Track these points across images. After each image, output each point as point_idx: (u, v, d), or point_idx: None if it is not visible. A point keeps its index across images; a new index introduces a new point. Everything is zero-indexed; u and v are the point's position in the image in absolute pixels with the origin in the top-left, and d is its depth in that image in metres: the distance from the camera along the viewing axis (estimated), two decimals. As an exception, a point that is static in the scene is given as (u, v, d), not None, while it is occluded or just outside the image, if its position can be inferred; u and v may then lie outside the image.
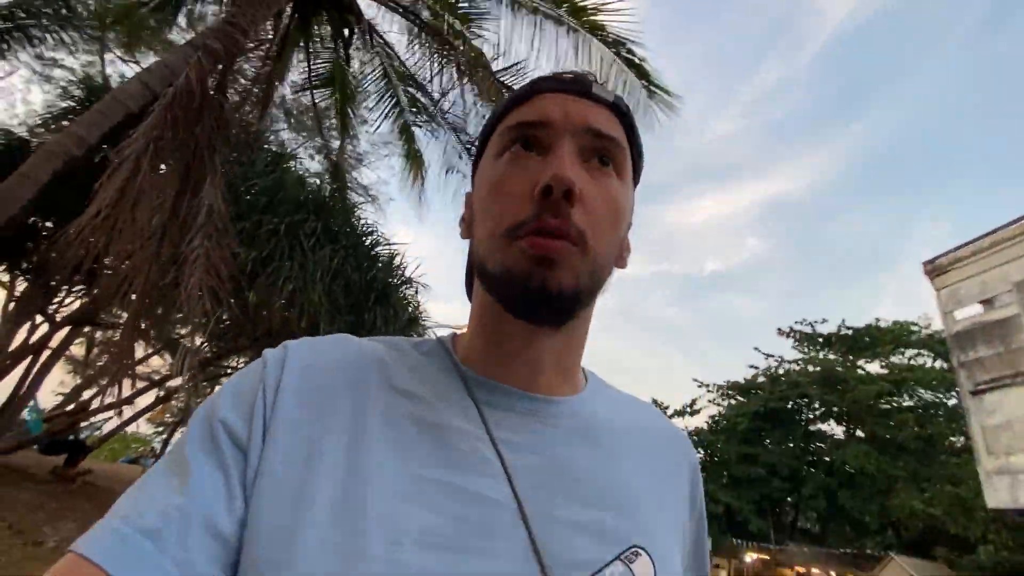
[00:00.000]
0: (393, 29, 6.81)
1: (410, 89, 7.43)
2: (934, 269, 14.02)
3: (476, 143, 0.60)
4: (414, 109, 7.62)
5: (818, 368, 23.97)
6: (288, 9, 5.71)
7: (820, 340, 25.67)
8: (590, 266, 0.48)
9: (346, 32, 6.30)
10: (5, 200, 3.40)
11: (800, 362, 25.33)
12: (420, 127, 7.69)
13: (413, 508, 0.41)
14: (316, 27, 6.36)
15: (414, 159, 8.01)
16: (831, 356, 25.01)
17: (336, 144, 8.76)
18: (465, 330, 0.58)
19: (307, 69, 7.00)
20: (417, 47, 6.61)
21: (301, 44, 6.55)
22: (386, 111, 7.57)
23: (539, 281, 0.46)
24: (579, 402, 0.55)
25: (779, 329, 26.54)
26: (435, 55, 6.30)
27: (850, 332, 24.83)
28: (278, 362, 0.48)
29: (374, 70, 7.11)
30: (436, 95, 7.00)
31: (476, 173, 0.58)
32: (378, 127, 8.07)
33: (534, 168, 0.49)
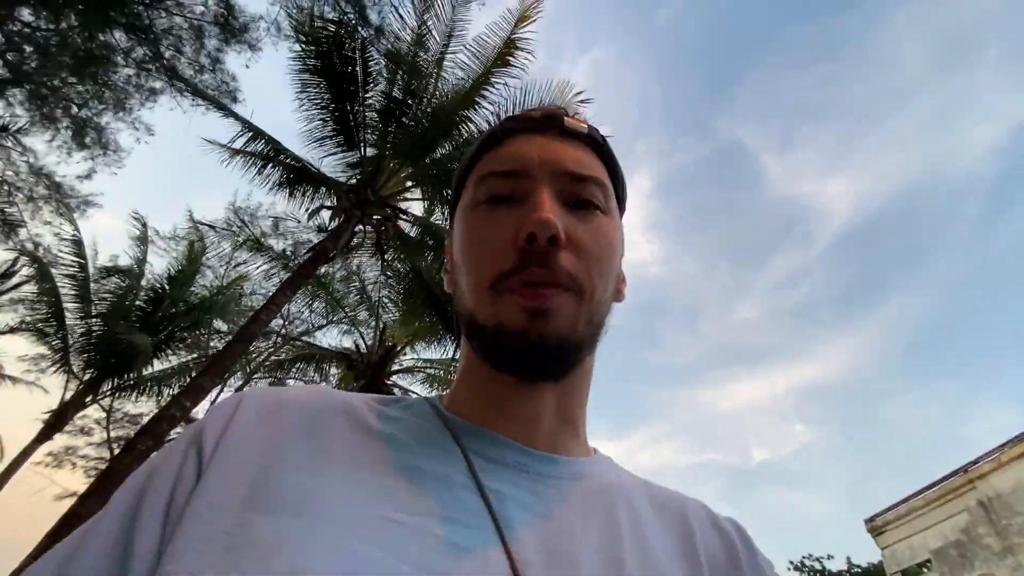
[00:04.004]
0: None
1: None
2: (874, 528, 15.57)
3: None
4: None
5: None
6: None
7: (833, 579, 25.41)
8: (587, 312, 0.45)
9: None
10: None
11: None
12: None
13: (372, 550, 0.33)
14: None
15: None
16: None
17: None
18: (452, 388, 0.52)
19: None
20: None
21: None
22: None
23: (536, 335, 0.42)
24: (589, 465, 0.49)
25: (791, 563, 26.49)
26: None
27: (859, 572, 24.76)
28: (227, 410, 0.42)
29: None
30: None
31: (453, 222, 0.54)
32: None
33: (513, 216, 0.45)
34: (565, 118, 0.51)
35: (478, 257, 0.46)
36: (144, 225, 11.09)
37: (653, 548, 0.44)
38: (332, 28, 7.28)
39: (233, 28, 7.06)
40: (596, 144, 0.52)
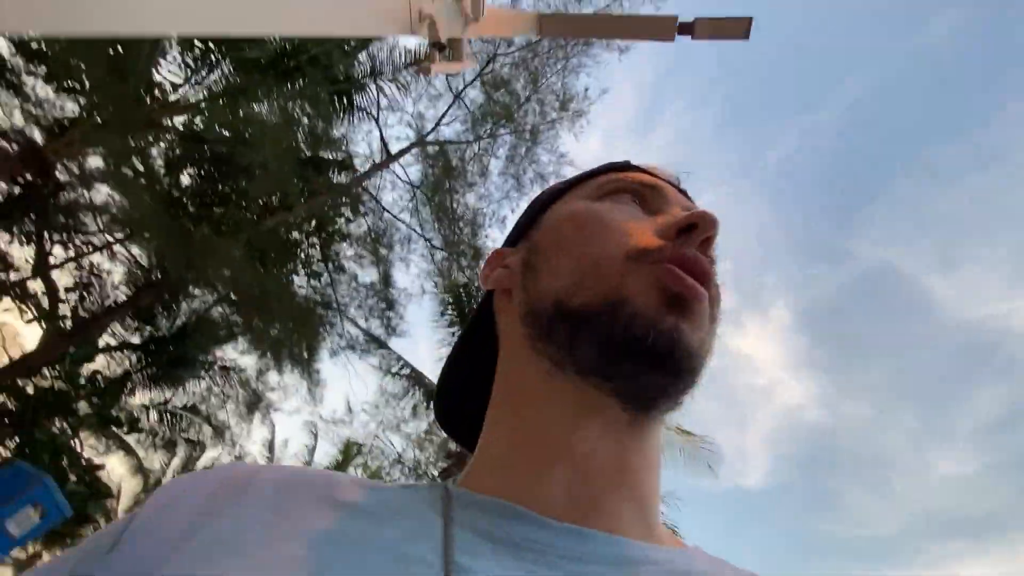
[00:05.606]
0: None
1: None
2: None
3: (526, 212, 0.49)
4: None
5: None
6: None
7: None
8: (708, 338, 0.35)
9: None
10: None
11: None
12: None
13: None
14: None
15: None
16: None
17: None
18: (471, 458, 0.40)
19: None
20: None
21: None
22: None
23: (671, 326, 0.32)
24: (655, 551, 0.33)
25: None
26: None
27: None
28: (179, 488, 0.35)
29: None
30: None
31: (543, 219, 0.45)
32: None
33: (652, 218, 0.39)
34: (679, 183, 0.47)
35: (607, 232, 0.37)
36: (315, 438, 13.43)
37: None
38: (462, 285, 9.51)
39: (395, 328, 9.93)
40: None
